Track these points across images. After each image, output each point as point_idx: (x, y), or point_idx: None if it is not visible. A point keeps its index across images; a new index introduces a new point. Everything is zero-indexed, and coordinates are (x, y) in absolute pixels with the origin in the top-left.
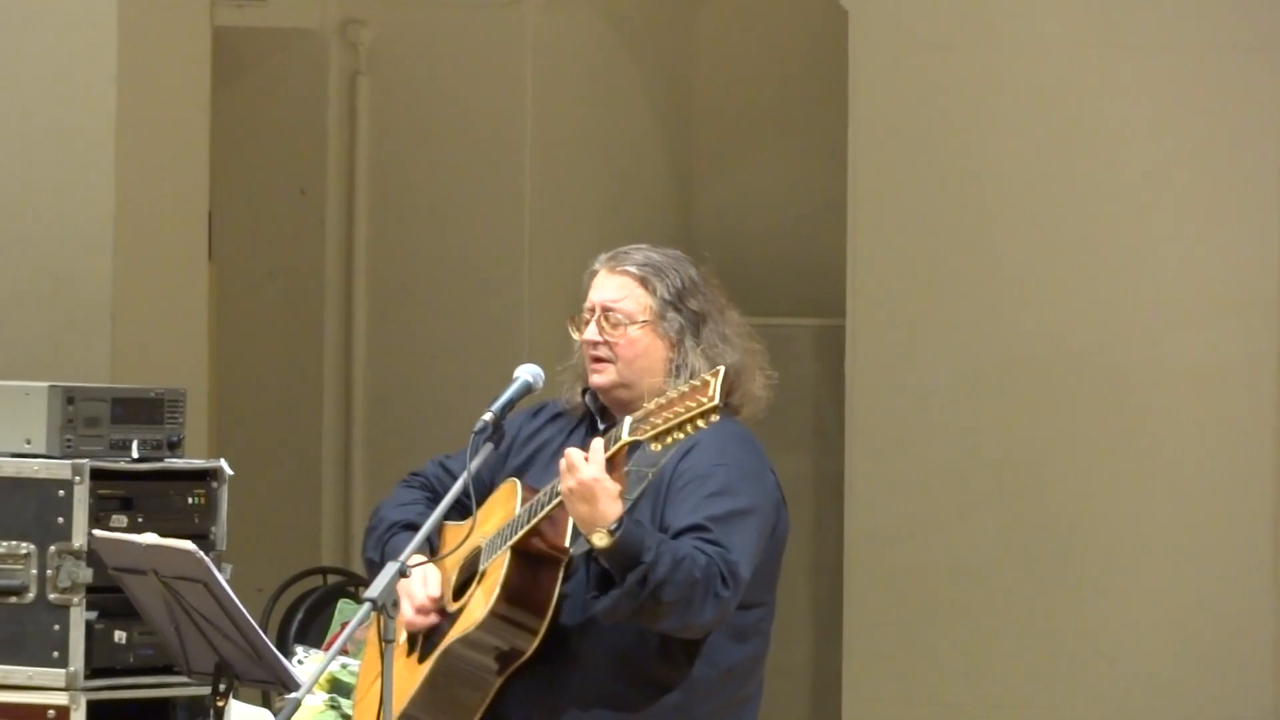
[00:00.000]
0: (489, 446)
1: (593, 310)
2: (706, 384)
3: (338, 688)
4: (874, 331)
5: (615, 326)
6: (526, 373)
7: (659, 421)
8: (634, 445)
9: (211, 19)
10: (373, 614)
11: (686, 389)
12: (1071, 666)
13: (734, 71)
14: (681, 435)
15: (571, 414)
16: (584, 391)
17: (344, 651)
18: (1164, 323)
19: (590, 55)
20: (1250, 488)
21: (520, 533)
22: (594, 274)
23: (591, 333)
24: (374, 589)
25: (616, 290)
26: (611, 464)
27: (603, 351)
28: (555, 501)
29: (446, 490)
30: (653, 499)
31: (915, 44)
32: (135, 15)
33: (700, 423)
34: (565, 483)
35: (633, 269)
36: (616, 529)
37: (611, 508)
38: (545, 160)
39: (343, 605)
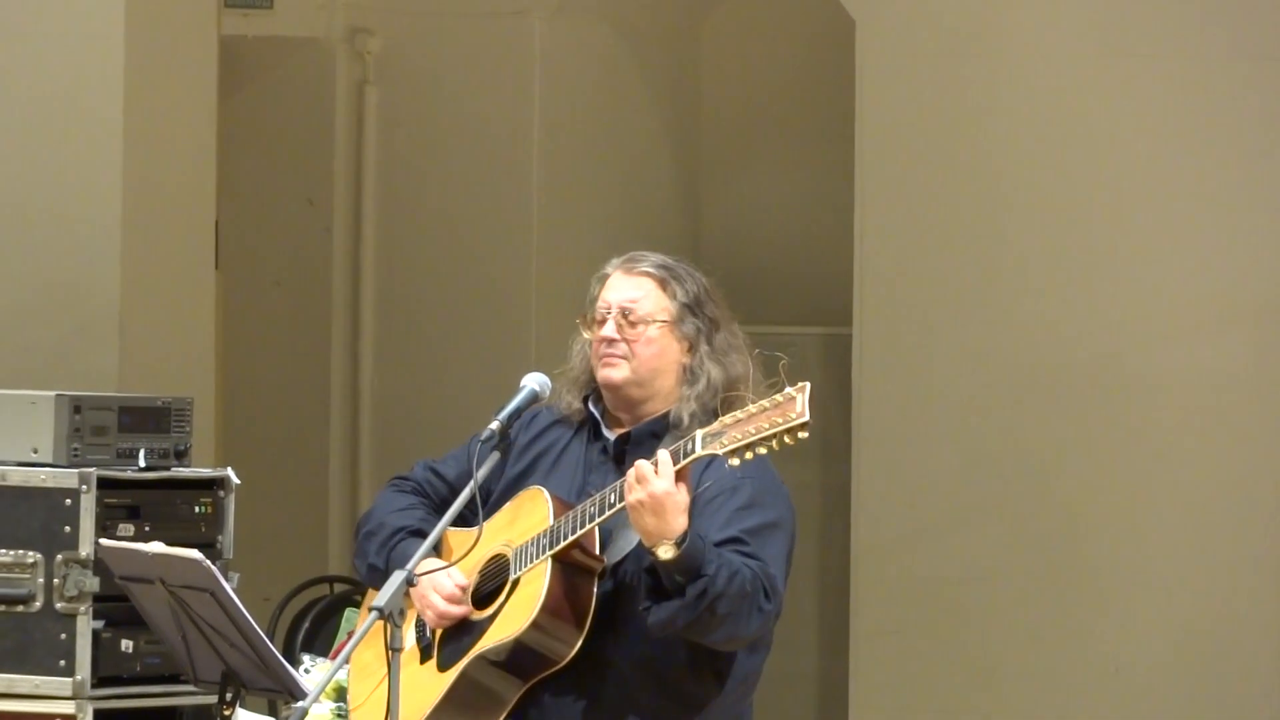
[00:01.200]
0: (495, 455)
1: (609, 308)
2: (793, 399)
3: (344, 696)
4: (881, 340)
5: (634, 325)
6: (534, 381)
7: (739, 435)
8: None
9: (218, 28)
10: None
11: (769, 405)
12: (1079, 675)
13: (741, 80)
14: (764, 450)
15: (570, 421)
16: (585, 398)
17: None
18: (1171, 331)
19: (597, 65)
20: (1258, 496)
21: (564, 543)
22: (605, 277)
23: (610, 330)
24: (381, 598)
25: (635, 290)
26: (679, 477)
27: (619, 349)
28: (611, 511)
29: (438, 495)
30: None
31: (923, 52)
32: (142, 24)
33: (788, 439)
34: (635, 494)
35: (652, 270)
36: (682, 542)
37: (679, 521)
38: (552, 169)
39: (349, 614)
